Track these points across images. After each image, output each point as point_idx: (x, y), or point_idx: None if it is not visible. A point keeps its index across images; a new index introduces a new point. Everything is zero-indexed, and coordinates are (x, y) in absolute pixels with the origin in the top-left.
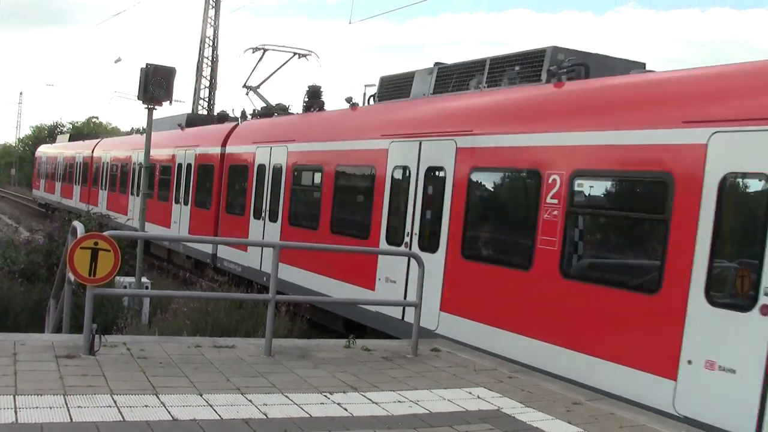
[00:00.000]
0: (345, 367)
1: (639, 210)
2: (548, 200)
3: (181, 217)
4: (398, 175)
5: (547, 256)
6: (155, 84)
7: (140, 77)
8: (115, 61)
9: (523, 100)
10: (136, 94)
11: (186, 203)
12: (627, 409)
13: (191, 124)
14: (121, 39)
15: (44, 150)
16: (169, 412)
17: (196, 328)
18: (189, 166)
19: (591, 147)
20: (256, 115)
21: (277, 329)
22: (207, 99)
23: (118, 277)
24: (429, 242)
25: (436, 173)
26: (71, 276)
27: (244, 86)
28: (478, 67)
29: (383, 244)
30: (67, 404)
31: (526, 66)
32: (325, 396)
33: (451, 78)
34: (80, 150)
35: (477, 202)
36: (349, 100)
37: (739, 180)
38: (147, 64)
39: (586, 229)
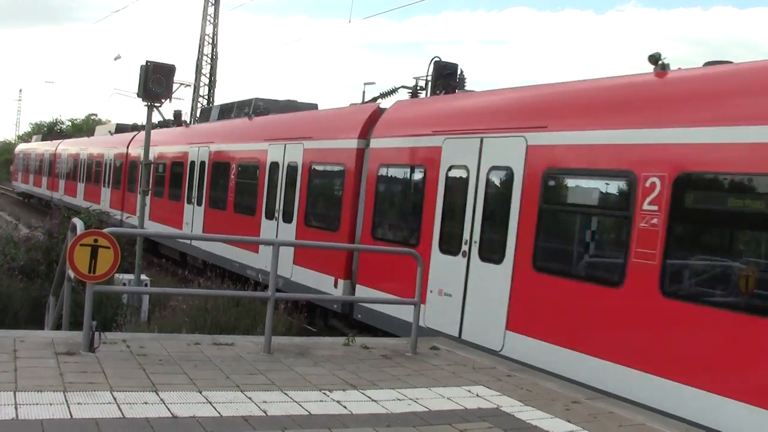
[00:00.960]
0: (344, 365)
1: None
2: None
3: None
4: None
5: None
6: (155, 81)
7: (140, 75)
8: (115, 59)
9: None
10: (136, 91)
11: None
12: (626, 407)
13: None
14: (120, 36)
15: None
16: (168, 409)
17: (195, 325)
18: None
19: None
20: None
21: (276, 327)
22: (207, 96)
23: (117, 275)
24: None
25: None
26: (71, 273)
27: None
28: None
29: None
30: (67, 401)
31: None
32: (325, 394)
33: None
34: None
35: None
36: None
37: None
38: (147, 62)
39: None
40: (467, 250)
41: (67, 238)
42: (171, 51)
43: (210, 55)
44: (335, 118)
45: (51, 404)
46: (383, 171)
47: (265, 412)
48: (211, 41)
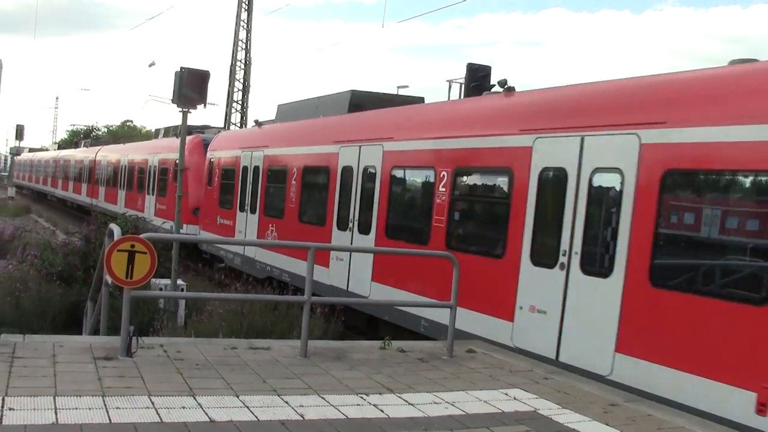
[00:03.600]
0: (380, 368)
1: None
2: None
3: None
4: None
5: None
6: (189, 87)
7: (174, 81)
8: (150, 65)
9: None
10: (171, 97)
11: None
12: (665, 410)
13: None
14: (155, 43)
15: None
16: (206, 414)
17: (231, 329)
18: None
19: None
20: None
21: (312, 330)
22: (240, 102)
23: (153, 279)
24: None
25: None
26: (108, 278)
27: None
28: None
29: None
30: (105, 405)
31: None
32: (362, 397)
33: None
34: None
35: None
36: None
37: None
38: (181, 68)
39: None
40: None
41: (104, 244)
42: (205, 57)
43: (244, 61)
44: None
45: (90, 409)
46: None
47: (302, 417)
48: (244, 47)
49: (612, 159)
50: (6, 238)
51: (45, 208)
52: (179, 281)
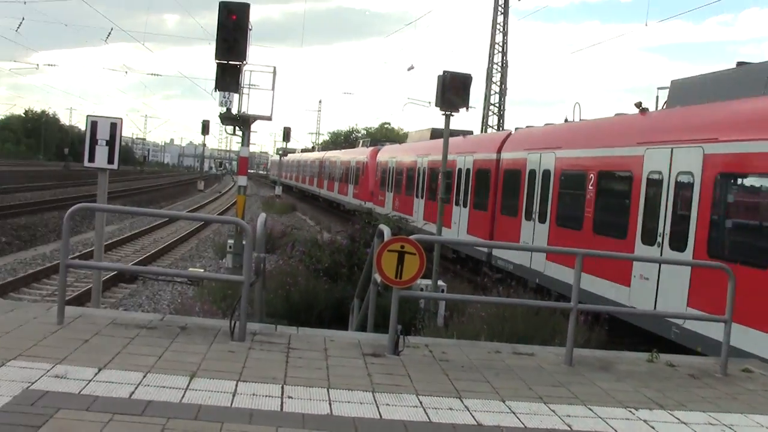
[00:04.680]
0: (649, 382)
1: None
2: None
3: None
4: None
5: None
6: (452, 91)
7: (437, 84)
8: (408, 69)
9: None
10: (429, 100)
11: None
12: None
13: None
14: (413, 47)
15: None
16: (473, 417)
17: (492, 332)
18: (468, 171)
19: None
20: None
21: (575, 339)
22: (498, 105)
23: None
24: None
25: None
26: (377, 277)
27: None
28: None
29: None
30: (375, 401)
31: None
32: (630, 411)
33: None
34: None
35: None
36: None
37: None
38: (444, 72)
39: None
40: None
41: (373, 244)
42: (462, 60)
43: (500, 64)
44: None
45: (361, 403)
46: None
47: (569, 427)
48: (501, 50)
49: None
50: (276, 234)
51: (309, 207)
52: (440, 282)
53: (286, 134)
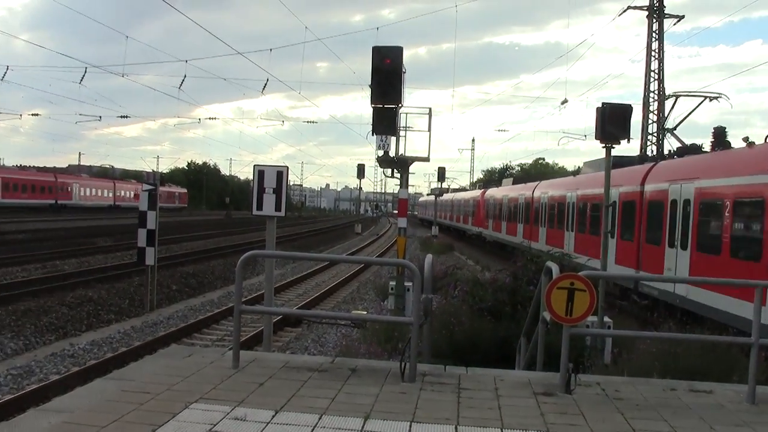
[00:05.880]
0: None
1: None
2: None
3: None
4: None
5: None
6: (612, 122)
7: (596, 117)
8: (561, 103)
9: None
10: (585, 133)
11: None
12: None
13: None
14: (564, 81)
15: (491, 193)
16: None
17: (665, 369)
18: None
19: None
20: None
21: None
22: (656, 135)
23: None
24: None
25: None
26: (546, 315)
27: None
28: None
29: None
30: None
31: None
32: None
33: None
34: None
35: None
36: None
37: None
38: (603, 104)
39: None
40: None
41: (540, 282)
42: (614, 91)
43: (657, 92)
44: None
45: None
46: None
47: None
48: (657, 77)
49: None
50: (438, 275)
51: (465, 246)
52: (605, 318)
53: (441, 174)
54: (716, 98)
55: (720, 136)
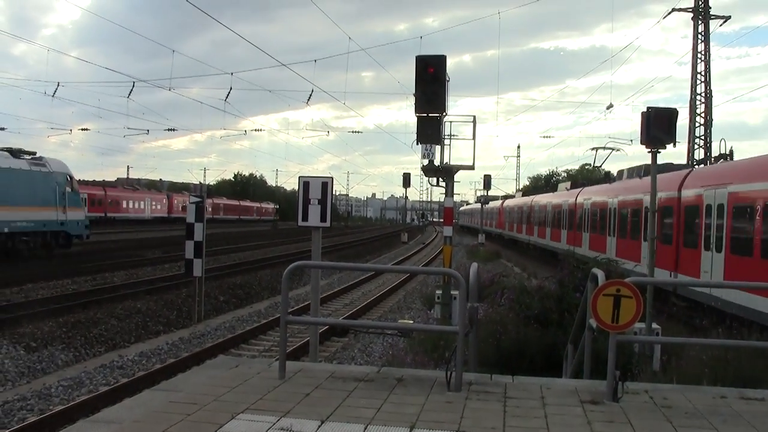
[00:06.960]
0: None
1: None
2: None
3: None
4: None
5: None
6: (657, 127)
7: (642, 121)
8: (607, 108)
9: None
10: (631, 138)
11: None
12: None
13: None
14: (610, 85)
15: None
16: None
17: (715, 376)
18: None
19: None
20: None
21: None
22: (703, 137)
23: None
24: None
25: None
26: (592, 322)
27: None
28: None
29: None
30: None
31: None
32: None
33: None
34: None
35: None
36: None
37: None
38: (648, 108)
39: None
40: None
41: (586, 289)
42: (659, 94)
43: (704, 94)
44: None
45: None
46: None
47: None
48: (704, 79)
49: None
50: (484, 283)
51: (513, 253)
52: (654, 325)
53: (487, 182)
54: None
55: None
